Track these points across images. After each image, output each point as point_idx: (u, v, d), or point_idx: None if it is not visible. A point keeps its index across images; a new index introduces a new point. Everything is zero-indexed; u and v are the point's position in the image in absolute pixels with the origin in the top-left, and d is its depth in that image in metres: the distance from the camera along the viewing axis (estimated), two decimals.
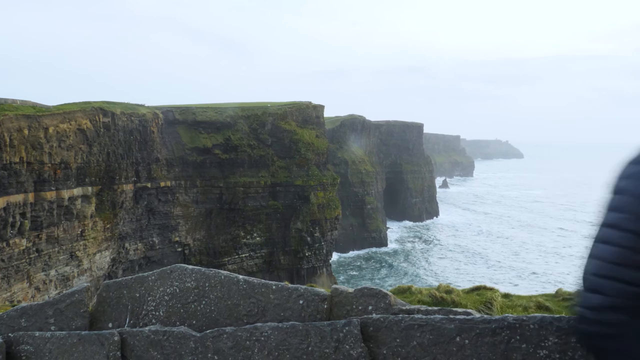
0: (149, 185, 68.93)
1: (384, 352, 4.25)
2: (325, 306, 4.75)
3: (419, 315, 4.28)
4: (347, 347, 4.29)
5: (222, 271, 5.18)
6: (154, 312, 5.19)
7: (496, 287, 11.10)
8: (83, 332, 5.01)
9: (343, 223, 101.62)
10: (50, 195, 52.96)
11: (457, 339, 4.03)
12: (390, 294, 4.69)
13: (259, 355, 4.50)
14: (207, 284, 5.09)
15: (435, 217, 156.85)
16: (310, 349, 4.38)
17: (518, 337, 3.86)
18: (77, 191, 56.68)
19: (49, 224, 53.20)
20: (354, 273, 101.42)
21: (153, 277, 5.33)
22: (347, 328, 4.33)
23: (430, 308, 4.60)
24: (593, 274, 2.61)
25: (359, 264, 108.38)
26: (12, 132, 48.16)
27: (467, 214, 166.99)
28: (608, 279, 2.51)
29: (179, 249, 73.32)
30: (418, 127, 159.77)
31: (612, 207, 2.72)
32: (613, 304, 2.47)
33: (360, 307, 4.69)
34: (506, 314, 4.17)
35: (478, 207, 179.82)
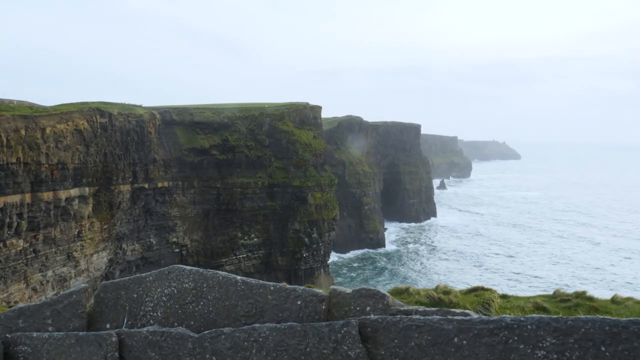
0: (146, 186, 68.83)
1: (382, 352, 4.25)
2: (324, 307, 4.76)
3: (417, 316, 4.29)
4: (345, 347, 4.29)
5: (220, 272, 5.18)
6: (151, 313, 5.19)
7: (494, 288, 11.12)
8: (81, 333, 5.00)
9: (340, 224, 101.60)
10: (47, 195, 52.83)
11: (455, 339, 4.04)
12: (388, 294, 4.69)
13: (257, 356, 4.50)
14: (205, 285, 5.09)
15: (432, 218, 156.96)
16: (308, 349, 4.38)
17: (516, 338, 3.86)
18: (74, 192, 56.56)
19: (46, 225, 53.07)
20: (352, 274, 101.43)
21: (151, 278, 5.32)
22: (345, 329, 4.34)
23: (428, 309, 4.60)
24: None
25: (356, 264, 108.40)
26: (9, 132, 48.05)
27: (465, 215, 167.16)
28: None
29: (177, 250, 73.21)
30: (415, 128, 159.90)
31: None
32: None
33: (358, 308, 4.69)
34: (504, 315, 4.18)
35: (475, 208, 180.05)
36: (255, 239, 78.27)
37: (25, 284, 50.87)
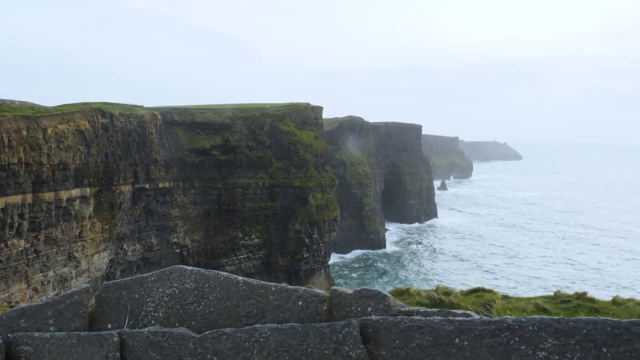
0: (147, 186, 68.87)
1: (383, 353, 4.25)
2: (325, 307, 4.76)
3: (418, 317, 4.29)
4: (346, 348, 4.30)
5: (221, 272, 5.19)
6: (153, 313, 5.19)
7: (494, 289, 11.11)
8: (82, 333, 5.00)
9: (341, 224, 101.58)
10: (49, 196, 52.87)
11: (457, 340, 4.04)
12: (389, 295, 4.70)
13: (258, 357, 4.50)
14: (206, 285, 5.09)
15: (433, 219, 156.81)
16: (309, 350, 4.38)
17: (517, 339, 3.87)
18: (75, 192, 56.60)
19: (47, 225, 53.11)
20: (352, 274, 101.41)
21: (152, 278, 5.33)
22: (346, 329, 4.34)
23: (429, 310, 4.60)
24: None
25: (357, 265, 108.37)
26: (11, 133, 48.10)
27: (465, 215, 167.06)
28: None
29: (177, 250, 73.22)
30: (416, 129, 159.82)
31: None
32: None
33: (359, 309, 4.69)
34: (505, 316, 4.19)
35: (476, 209, 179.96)
36: (255, 240, 78.28)
37: (26, 284, 50.91)
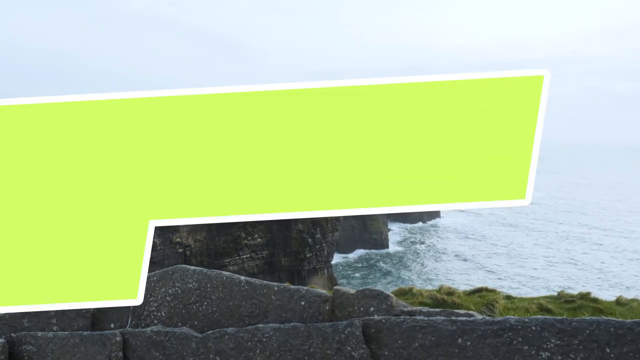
0: None
1: (386, 353, 4.25)
2: (327, 307, 4.76)
3: (421, 317, 4.29)
4: (348, 348, 4.29)
5: (224, 272, 5.19)
6: (155, 313, 5.20)
7: (497, 289, 11.09)
8: (85, 333, 5.02)
9: (344, 224, 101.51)
10: None
11: (459, 340, 4.03)
12: (392, 295, 4.70)
13: (260, 356, 4.50)
14: (208, 285, 5.10)
15: (436, 219, 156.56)
16: (312, 350, 4.38)
17: (520, 339, 3.86)
18: None
19: None
20: (355, 274, 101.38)
21: (155, 278, 5.33)
22: (349, 329, 4.34)
23: (431, 310, 4.60)
24: None
25: (359, 265, 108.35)
26: None
27: (468, 215, 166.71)
28: None
29: (180, 250, 73.27)
30: None
31: None
32: None
33: (362, 309, 4.69)
34: (508, 316, 4.18)
35: (479, 209, 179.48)
36: (258, 239, 78.33)
37: None
